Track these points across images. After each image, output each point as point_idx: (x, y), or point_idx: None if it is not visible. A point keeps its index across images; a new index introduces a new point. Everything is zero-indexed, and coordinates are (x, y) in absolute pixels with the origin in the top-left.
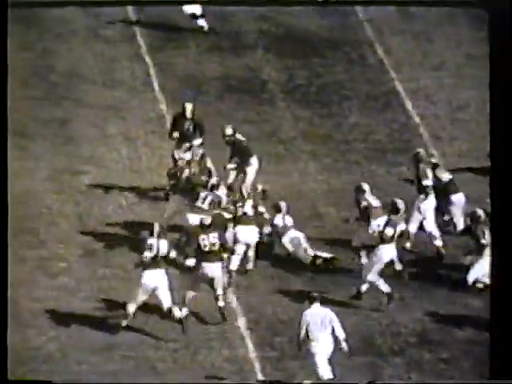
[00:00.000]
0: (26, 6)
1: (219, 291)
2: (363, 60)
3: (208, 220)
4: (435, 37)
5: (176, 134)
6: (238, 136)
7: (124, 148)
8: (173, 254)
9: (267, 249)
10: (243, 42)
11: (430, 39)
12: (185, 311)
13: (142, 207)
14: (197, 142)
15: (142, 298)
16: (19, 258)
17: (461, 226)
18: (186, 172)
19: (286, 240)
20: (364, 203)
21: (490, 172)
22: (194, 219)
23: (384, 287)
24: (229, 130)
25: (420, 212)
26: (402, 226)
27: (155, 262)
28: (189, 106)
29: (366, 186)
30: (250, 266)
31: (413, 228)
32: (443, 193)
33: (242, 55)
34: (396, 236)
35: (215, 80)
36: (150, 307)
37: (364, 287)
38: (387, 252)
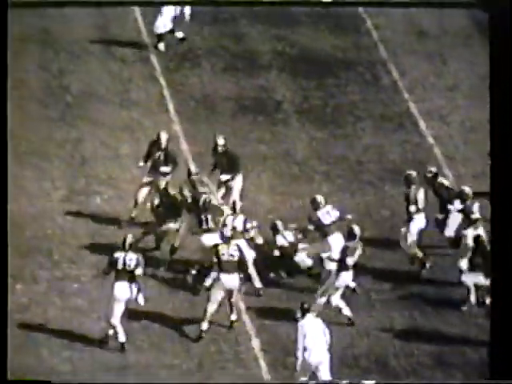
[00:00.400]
0: (26, 6)
1: (234, 308)
2: (377, 81)
3: (229, 232)
4: (449, 58)
5: (141, 164)
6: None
7: (137, 168)
8: (138, 272)
9: (278, 269)
10: (258, 62)
11: (444, 60)
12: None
13: None
14: (165, 169)
15: (118, 310)
16: (33, 278)
17: (451, 232)
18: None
19: (299, 257)
20: (314, 219)
21: (490, 172)
22: (208, 240)
23: (344, 308)
24: (221, 140)
25: (410, 232)
26: (360, 251)
27: (123, 274)
28: (163, 136)
29: (319, 199)
30: (257, 284)
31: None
32: (444, 201)
33: (257, 76)
34: (355, 261)
35: (229, 100)
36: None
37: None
38: (346, 278)
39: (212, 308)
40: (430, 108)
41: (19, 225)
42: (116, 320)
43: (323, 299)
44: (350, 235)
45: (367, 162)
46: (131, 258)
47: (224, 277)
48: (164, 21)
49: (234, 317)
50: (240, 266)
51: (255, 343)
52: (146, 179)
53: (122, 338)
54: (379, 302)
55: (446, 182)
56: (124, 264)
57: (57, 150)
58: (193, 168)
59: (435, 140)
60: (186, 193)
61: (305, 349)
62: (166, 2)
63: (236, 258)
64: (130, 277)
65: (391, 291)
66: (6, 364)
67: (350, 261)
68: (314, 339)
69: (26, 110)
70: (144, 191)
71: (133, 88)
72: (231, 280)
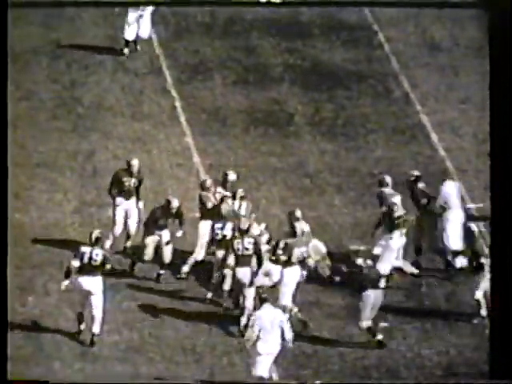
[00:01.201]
0: (26, 6)
1: (248, 302)
2: (389, 93)
3: (246, 224)
4: (461, 70)
5: (121, 200)
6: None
7: (149, 181)
8: (107, 267)
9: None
10: (269, 75)
11: (456, 72)
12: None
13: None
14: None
15: (81, 304)
16: (44, 290)
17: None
18: None
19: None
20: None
21: (490, 172)
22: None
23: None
24: (233, 176)
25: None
26: (302, 249)
27: (89, 269)
28: (135, 162)
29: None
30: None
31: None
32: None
33: (268, 88)
34: (296, 259)
35: (241, 113)
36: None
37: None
38: (291, 275)
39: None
40: (442, 120)
41: (31, 237)
42: (97, 312)
43: (283, 300)
44: (291, 232)
45: (379, 175)
46: (97, 253)
47: (238, 270)
48: (133, 27)
49: (244, 320)
50: (255, 258)
51: None
52: (120, 209)
53: (96, 329)
54: (391, 313)
55: (422, 187)
56: (90, 259)
57: (68, 162)
58: (208, 181)
59: (447, 152)
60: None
61: (259, 338)
62: (164, 3)
63: (251, 252)
64: (95, 272)
65: (403, 303)
66: (6, 364)
67: (283, 257)
68: (268, 331)
69: (37, 122)
70: (121, 221)
71: (144, 100)
72: (243, 273)
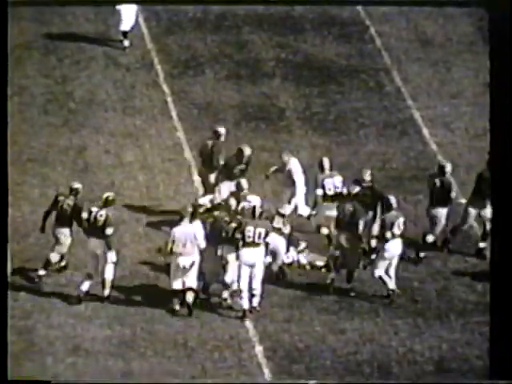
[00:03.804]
0: (26, 5)
1: (256, 284)
2: (381, 88)
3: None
4: (453, 65)
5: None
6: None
7: (141, 176)
8: (109, 231)
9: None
10: (261, 69)
11: (448, 67)
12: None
13: (159, 235)
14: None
15: (91, 265)
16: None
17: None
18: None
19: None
20: None
21: (490, 172)
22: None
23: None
24: (248, 150)
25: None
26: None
27: (93, 230)
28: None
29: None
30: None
31: None
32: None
33: (260, 83)
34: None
35: (232, 108)
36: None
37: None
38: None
39: (244, 284)
40: (434, 115)
41: (22, 232)
42: (92, 271)
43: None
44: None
45: (370, 170)
46: (102, 214)
47: (245, 252)
48: (127, 18)
49: (246, 305)
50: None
51: (258, 350)
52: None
53: (106, 292)
54: (382, 308)
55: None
56: (95, 219)
57: (60, 157)
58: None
59: (439, 147)
60: None
61: (174, 252)
62: (163, 2)
63: (261, 241)
64: (101, 233)
65: (394, 298)
66: (7, 364)
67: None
68: (182, 244)
69: (28, 117)
70: None
71: (136, 95)
72: (254, 254)
